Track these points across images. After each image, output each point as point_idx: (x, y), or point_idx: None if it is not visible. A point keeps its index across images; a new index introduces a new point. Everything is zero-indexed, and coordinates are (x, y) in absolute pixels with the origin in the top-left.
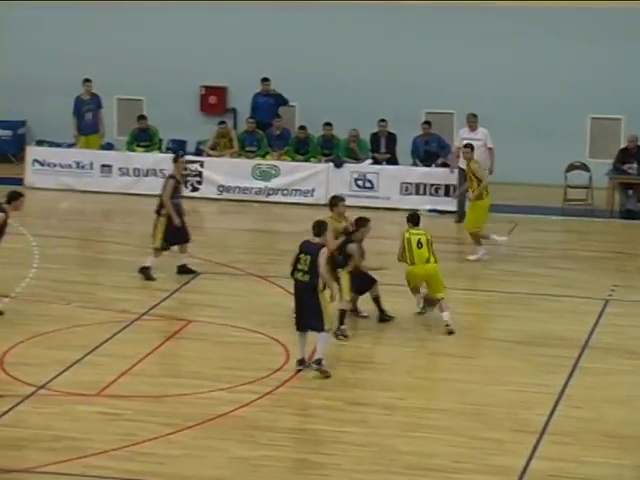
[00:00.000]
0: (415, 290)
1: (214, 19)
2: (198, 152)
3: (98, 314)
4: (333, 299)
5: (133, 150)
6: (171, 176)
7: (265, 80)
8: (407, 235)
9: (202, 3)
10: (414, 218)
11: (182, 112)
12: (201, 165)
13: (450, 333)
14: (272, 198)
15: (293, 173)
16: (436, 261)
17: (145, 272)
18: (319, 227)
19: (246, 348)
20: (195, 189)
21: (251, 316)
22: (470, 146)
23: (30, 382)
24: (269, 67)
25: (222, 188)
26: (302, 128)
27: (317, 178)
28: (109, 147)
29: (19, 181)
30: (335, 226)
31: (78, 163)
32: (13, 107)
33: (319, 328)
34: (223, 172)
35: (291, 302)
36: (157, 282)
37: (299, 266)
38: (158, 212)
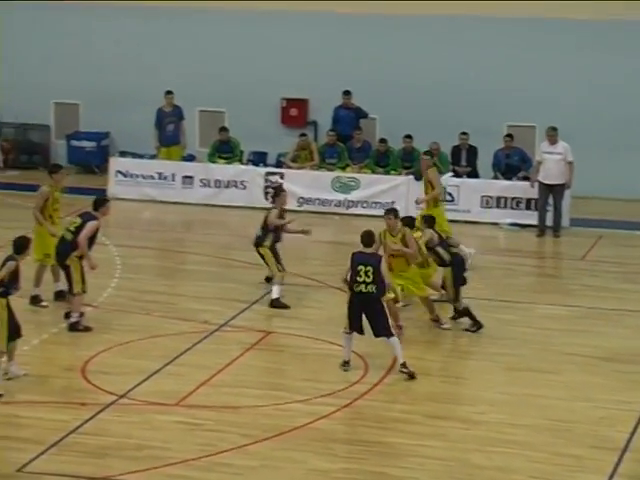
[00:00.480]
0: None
1: (295, 32)
2: (279, 164)
3: (178, 324)
4: (398, 300)
5: (214, 162)
6: (275, 207)
7: (346, 93)
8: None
9: (283, 16)
10: (412, 220)
11: (263, 124)
12: (281, 177)
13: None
14: (352, 210)
15: (373, 186)
16: None
17: (277, 303)
18: (369, 237)
19: (324, 360)
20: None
21: (330, 328)
22: (430, 153)
23: (111, 391)
24: (350, 80)
25: (302, 200)
26: (382, 141)
27: (397, 191)
28: (191, 158)
29: (102, 192)
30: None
31: (160, 174)
32: (97, 119)
33: (389, 334)
34: (303, 184)
35: None
36: (236, 293)
37: (359, 278)
38: (258, 245)
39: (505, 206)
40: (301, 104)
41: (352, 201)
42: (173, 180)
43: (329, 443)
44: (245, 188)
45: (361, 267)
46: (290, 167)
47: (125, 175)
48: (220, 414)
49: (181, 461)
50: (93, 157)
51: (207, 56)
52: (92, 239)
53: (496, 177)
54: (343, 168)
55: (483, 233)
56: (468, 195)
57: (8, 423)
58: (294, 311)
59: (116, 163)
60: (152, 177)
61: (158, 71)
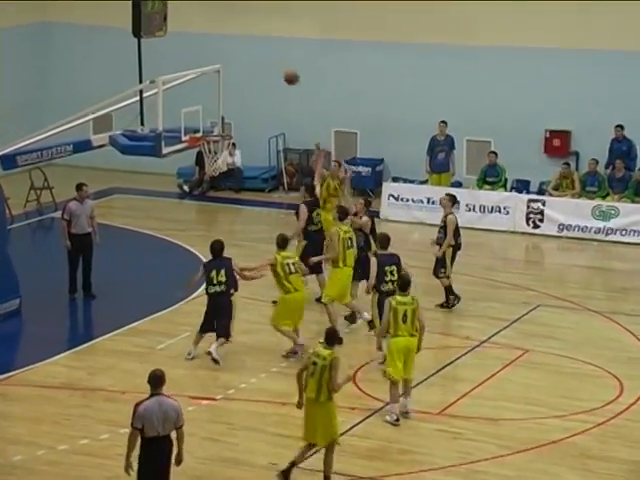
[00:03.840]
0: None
1: (562, 68)
2: (541, 192)
3: (442, 339)
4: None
5: (481, 187)
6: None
7: (619, 127)
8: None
9: (551, 53)
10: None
11: (527, 154)
12: (543, 204)
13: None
14: (610, 237)
15: (632, 214)
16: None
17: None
18: (388, 240)
19: (581, 379)
20: (536, 226)
21: (587, 349)
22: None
23: (379, 397)
24: (613, 112)
25: (562, 226)
26: None
27: None
28: (458, 185)
29: (375, 213)
30: None
31: (429, 199)
32: (373, 147)
33: None
34: (564, 211)
35: (627, 338)
36: (497, 312)
37: (387, 278)
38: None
39: None
40: (564, 135)
41: (611, 228)
42: (441, 204)
43: (584, 459)
44: (508, 213)
45: (387, 267)
46: (551, 195)
47: (396, 199)
48: (479, 425)
49: (441, 467)
50: (368, 181)
51: (478, 89)
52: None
53: None
54: (604, 197)
55: None
56: None
57: (286, 422)
58: (552, 331)
59: (389, 187)
60: (421, 201)
61: (431, 103)
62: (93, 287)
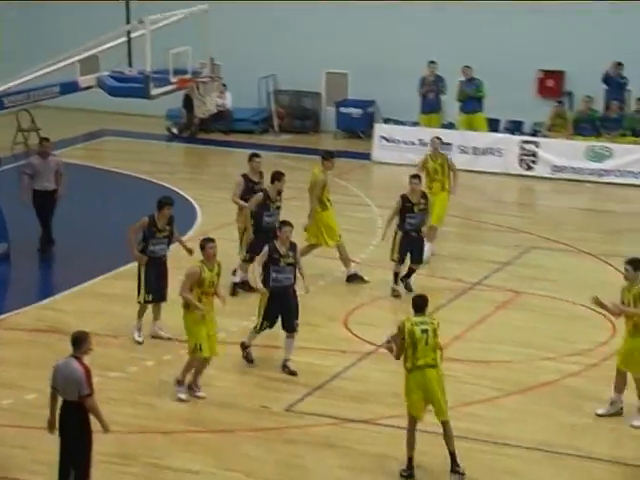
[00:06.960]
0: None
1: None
2: (533, 133)
3: (433, 282)
4: None
5: (462, 100)
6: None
7: (619, 64)
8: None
9: None
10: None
11: (520, 95)
12: (536, 145)
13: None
14: (604, 179)
15: (626, 155)
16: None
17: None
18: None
19: (573, 321)
20: (530, 168)
21: (580, 291)
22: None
23: (370, 340)
24: (611, 52)
25: (556, 168)
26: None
27: None
28: (450, 126)
29: (366, 156)
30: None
31: (420, 140)
32: (364, 88)
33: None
34: (557, 152)
35: (621, 280)
36: (488, 254)
37: None
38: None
39: None
40: (557, 76)
41: (605, 170)
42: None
43: (576, 400)
44: (501, 155)
45: None
46: (546, 136)
47: (388, 140)
48: (472, 367)
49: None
50: (359, 123)
51: (469, 30)
52: None
53: None
54: (597, 137)
55: None
56: None
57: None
58: (545, 273)
59: (380, 129)
60: (413, 143)
61: (422, 42)
62: (54, 244)
